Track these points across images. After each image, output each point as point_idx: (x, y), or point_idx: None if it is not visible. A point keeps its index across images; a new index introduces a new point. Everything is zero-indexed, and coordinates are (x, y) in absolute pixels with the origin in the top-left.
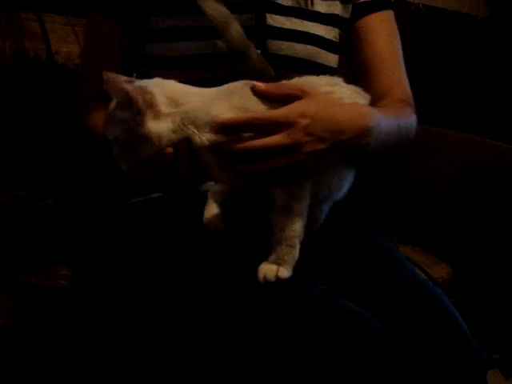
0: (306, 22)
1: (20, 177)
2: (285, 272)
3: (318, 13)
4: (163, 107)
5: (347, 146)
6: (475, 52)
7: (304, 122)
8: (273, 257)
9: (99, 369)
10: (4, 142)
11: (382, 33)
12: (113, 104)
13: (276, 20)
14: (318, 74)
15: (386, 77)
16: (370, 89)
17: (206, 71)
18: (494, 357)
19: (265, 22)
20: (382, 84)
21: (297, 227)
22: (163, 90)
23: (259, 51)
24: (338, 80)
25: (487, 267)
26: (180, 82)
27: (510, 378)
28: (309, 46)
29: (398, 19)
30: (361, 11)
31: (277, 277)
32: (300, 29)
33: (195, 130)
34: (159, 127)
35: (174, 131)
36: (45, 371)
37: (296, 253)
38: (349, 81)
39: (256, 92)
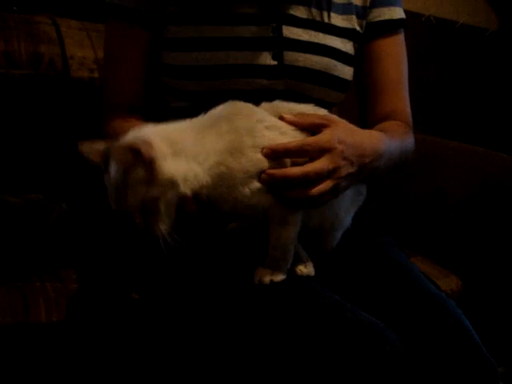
0: (322, 35)
1: (35, 181)
2: (279, 276)
3: (335, 26)
4: (166, 148)
5: (367, 168)
6: (485, 65)
7: (341, 147)
8: (268, 263)
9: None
10: (20, 146)
11: (393, 57)
12: (115, 176)
13: (293, 32)
14: (333, 86)
15: (391, 100)
16: (375, 109)
17: (223, 82)
18: (499, 370)
19: (281, 34)
20: (388, 107)
21: (291, 235)
22: (156, 134)
23: (276, 62)
24: (324, 110)
25: (496, 281)
26: (199, 92)
27: None
28: (325, 58)
29: (409, 30)
30: (375, 32)
31: (271, 280)
32: (317, 41)
33: (198, 167)
34: (173, 165)
35: (187, 171)
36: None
37: (290, 258)
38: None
39: (285, 122)
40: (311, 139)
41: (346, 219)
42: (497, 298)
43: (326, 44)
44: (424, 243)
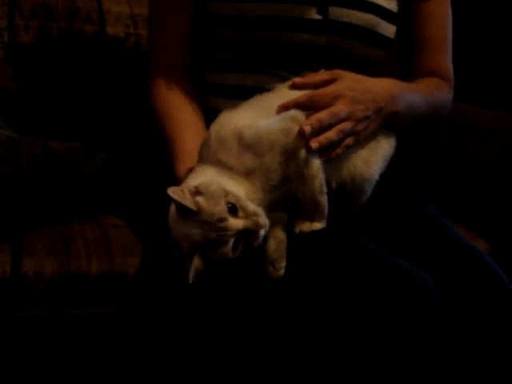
0: None
1: (76, 130)
2: (318, 225)
3: None
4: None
5: (383, 111)
6: None
7: (350, 93)
8: (304, 215)
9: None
10: (62, 95)
11: (438, 17)
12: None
13: None
14: (375, 44)
15: (433, 60)
16: (418, 68)
17: (268, 34)
18: None
19: None
20: (430, 65)
21: (314, 188)
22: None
23: (320, 17)
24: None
25: None
26: (242, 43)
27: None
28: (369, 15)
29: None
30: None
31: (311, 229)
32: None
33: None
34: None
35: None
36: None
37: (324, 206)
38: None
39: (297, 85)
40: (320, 90)
41: (375, 170)
42: None
43: (371, 1)
44: (453, 207)
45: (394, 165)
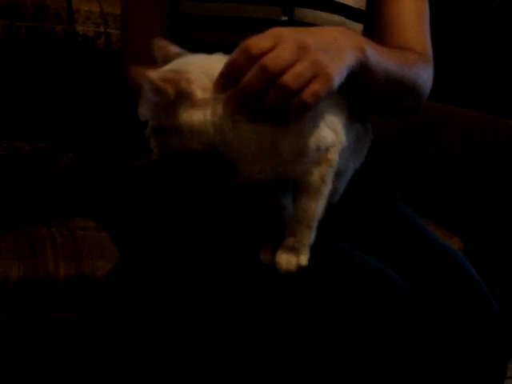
0: None
1: (44, 131)
2: (304, 260)
3: None
4: (200, 94)
5: (345, 47)
6: (491, 35)
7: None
8: (290, 239)
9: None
10: (29, 96)
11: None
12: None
13: None
14: None
15: (403, 33)
16: (386, 43)
17: (233, 34)
18: None
19: None
20: (399, 40)
21: (320, 209)
22: (205, 70)
23: (286, 18)
24: None
25: (498, 244)
26: (210, 43)
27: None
28: (335, 16)
29: None
30: None
31: (298, 266)
32: None
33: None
34: (193, 117)
35: (213, 123)
36: None
37: (313, 235)
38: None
39: None
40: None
41: (350, 165)
42: (498, 262)
43: (338, 1)
44: (427, 205)
45: (367, 163)
